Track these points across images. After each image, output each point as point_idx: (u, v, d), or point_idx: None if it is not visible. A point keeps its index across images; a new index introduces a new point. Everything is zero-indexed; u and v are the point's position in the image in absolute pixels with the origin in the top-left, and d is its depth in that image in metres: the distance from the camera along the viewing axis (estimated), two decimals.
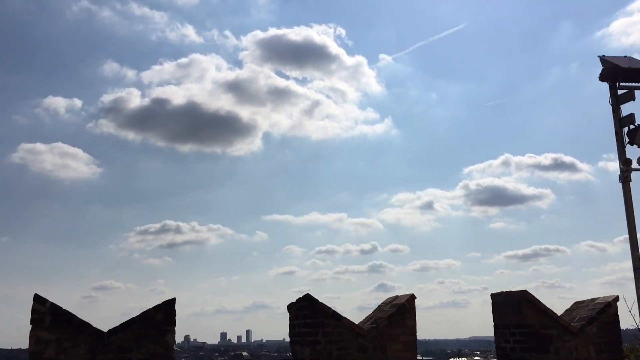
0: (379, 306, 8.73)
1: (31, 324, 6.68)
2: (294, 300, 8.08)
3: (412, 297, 8.14)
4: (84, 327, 6.87)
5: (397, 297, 8.55)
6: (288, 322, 8.38)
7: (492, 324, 8.82)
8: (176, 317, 7.26)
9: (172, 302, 7.30)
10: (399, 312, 7.97)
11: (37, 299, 6.71)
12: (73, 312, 6.88)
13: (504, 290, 8.78)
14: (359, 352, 7.69)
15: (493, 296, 8.95)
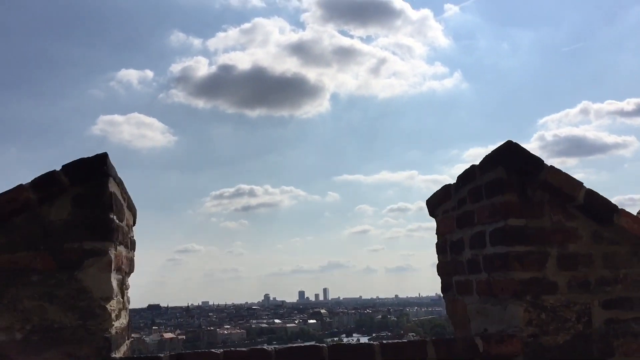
0: None
1: None
2: (453, 182, 2.98)
3: None
4: None
5: None
6: (436, 237, 3.26)
7: None
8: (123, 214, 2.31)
9: (94, 163, 2.30)
10: None
11: None
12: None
13: None
14: None
15: None
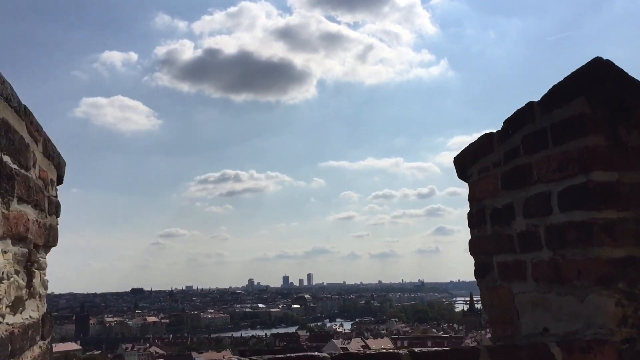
0: None
1: None
2: (504, 123, 2.18)
3: None
4: None
5: None
6: (468, 205, 2.51)
7: None
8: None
9: None
10: None
11: None
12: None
13: None
14: None
15: None
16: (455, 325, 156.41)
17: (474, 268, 2.36)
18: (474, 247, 2.34)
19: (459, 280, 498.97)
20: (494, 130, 2.22)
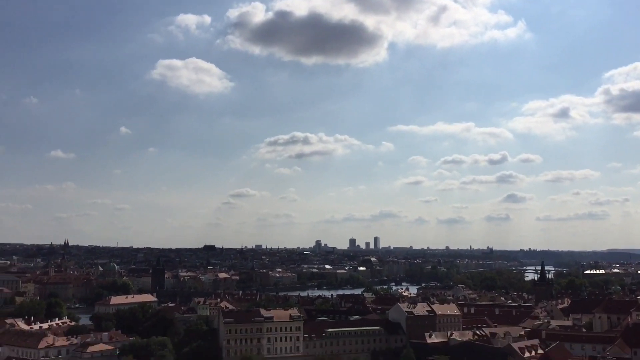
0: None
1: None
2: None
3: None
4: None
5: None
6: None
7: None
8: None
9: None
10: None
11: None
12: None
13: None
14: None
15: None
16: (524, 295, 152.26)
17: None
18: None
19: (529, 249, 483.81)
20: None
